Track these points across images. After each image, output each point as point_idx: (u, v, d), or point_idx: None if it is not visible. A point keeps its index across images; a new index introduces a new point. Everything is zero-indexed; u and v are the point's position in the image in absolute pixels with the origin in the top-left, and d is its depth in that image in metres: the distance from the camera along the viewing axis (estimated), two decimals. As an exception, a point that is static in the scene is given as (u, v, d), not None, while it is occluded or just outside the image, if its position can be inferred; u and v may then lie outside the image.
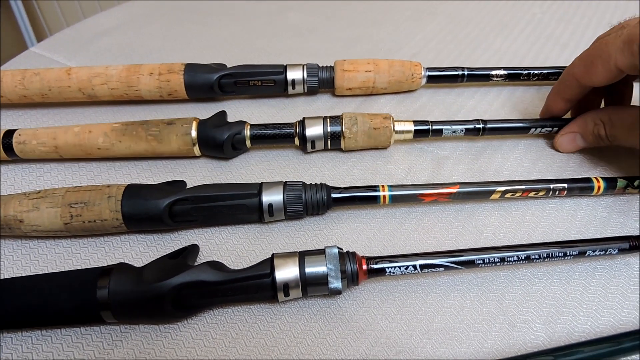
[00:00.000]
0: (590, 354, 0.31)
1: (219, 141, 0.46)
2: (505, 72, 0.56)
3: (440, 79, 0.57)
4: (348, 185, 0.42)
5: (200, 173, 0.48)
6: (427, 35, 0.68)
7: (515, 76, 0.56)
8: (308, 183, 0.42)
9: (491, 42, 0.66)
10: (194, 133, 0.46)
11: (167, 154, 0.48)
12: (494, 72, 0.56)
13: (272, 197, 0.40)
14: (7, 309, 0.33)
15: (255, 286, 0.34)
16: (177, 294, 0.33)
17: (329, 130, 0.47)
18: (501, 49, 0.65)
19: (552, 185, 0.43)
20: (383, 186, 0.42)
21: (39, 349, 0.35)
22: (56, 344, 0.35)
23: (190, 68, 0.52)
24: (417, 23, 0.71)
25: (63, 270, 0.39)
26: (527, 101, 0.56)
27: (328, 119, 0.48)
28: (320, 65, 0.55)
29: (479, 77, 0.56)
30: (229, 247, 0.41)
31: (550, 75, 0.56)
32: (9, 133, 0.47)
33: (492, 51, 0.65)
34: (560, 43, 0.66)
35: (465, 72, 0.56)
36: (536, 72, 0.56)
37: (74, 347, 0.35)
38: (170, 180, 0.44)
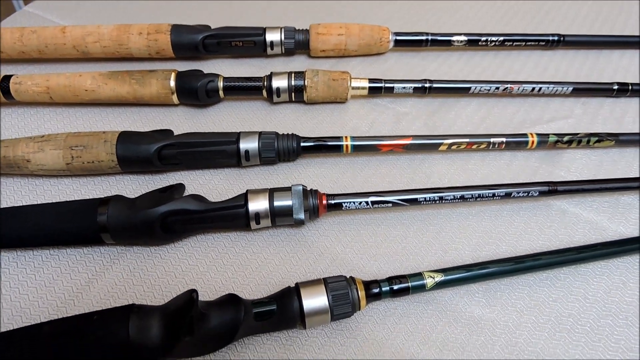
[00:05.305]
0: (496, 269, 0.38)
1: (194, 86, 0.52)
2: (466, 38, 0.62)
3: (406, 43, 0.62)
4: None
5: (180, 120, 0.54)
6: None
7: (474, 42, 0.62)
8: (281, 133, 0.48)
9: (457, 9, 0.71)
10: (172, 83, 0.52)
11: (148, 98, 0.53)
12: (455, 38, 0.61)
13: (249, 144, 0.46)
14: (21, 230, 0.39)
15: (232, 215, 0.41)
16: (165, 219, 0.39)
17: (293, 83, 0.53)
18: (468, 15, 0.70)
19: (492, 139, 0.49)
20: (346, 137, 0.48)
21: (48, 265, 0.41)
22: (63, 261, 0.41)
23: (176, 29, 0.57)
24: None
25: (67, 202, 0.45)
26: (484, 65, 0.62)
27: (293, 74, 0.54)
28: (297, 28, 0.60)
29: (442, 42, 0.62)
30: (211, 186, 0.47)
31: (505, 41, 0.62)
32: (7, 78, 0.52)
33: (457, 17, 0.70)
34: (522, 10, 0.71)
35: (429, 37, 0.61)
36: (493, 38, 0.62)
37: (78, 264, 0.41)
38: (157, 129, 0.50)
